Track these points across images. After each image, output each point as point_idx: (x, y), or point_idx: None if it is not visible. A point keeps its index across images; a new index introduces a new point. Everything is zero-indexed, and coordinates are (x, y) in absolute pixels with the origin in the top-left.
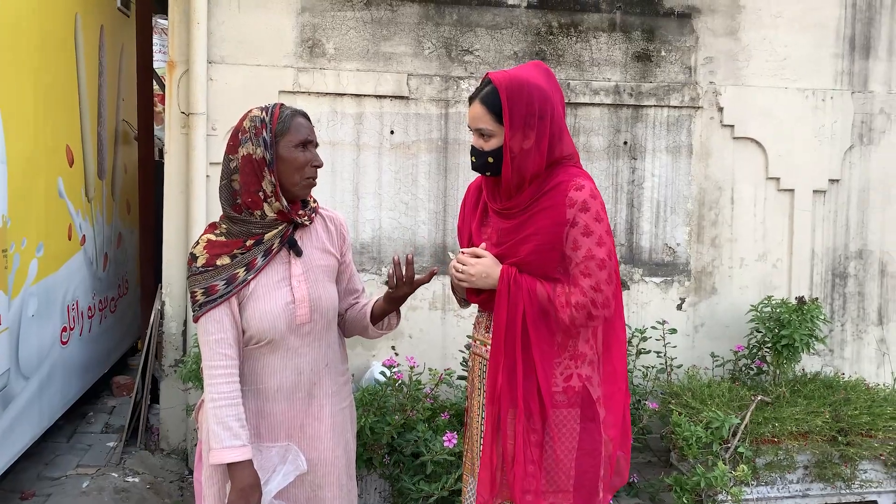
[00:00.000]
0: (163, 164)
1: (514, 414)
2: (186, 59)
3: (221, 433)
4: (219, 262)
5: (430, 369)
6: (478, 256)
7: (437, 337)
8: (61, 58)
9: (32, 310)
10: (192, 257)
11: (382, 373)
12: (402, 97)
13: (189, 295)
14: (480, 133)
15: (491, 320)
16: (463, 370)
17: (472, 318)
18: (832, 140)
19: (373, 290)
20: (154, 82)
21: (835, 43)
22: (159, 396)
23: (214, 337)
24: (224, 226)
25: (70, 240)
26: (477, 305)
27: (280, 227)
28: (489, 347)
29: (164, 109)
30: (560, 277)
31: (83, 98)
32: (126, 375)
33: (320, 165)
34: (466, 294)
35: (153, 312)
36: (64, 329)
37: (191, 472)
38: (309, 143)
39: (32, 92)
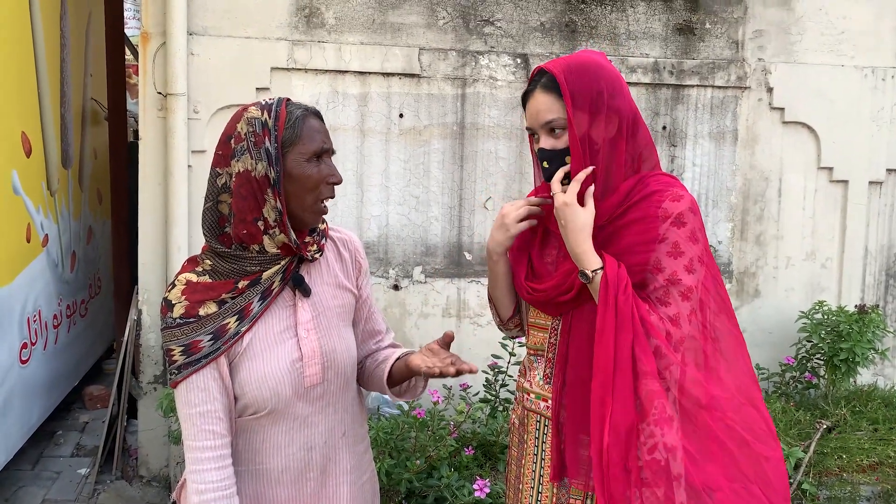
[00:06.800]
0: (137, 144)
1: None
2: (163, 31)
3: None
4: (202, 312)
5: (444, 386)
6: None
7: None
8: (13, 28)
9: None
10: (167, 305)
11: (399, 406)
12: (412, 75)
13: (164, 353)
14: (550, 128)
15: (552, 365)
16: (486, 392)
17: (491, 327)
18: (891, 124)
19: (379, 295)
20: (127, 50)
21: None
22: (137, 413)
23: (199, 409)
24: (208, 261)
25: (29, 242)
26: (519, 337)
27: (283, 262)
28: (549, 404)
29: (139, 81)
30: None
31: (42, 76)
32: (100, 385)
33: (339, 182)
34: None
35: (128, 322)
36: (24, 345)
37: None
38: (324, 152)
39: None
